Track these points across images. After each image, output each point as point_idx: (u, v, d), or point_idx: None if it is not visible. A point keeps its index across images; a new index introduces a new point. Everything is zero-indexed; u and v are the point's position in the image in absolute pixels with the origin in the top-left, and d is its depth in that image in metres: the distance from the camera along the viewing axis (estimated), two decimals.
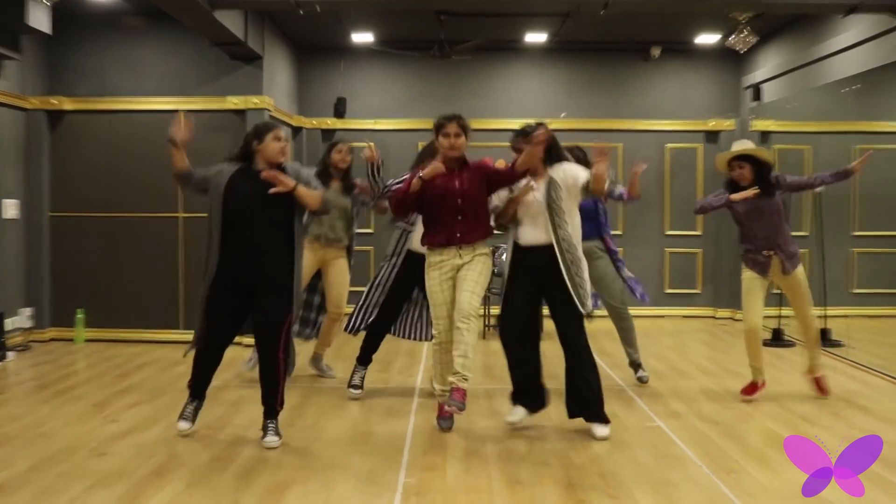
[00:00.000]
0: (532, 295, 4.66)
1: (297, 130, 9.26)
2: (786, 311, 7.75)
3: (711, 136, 9.49)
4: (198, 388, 4.63)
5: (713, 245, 9.50)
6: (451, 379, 4.46)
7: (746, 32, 7.68)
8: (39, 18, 6.57)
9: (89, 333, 7.63)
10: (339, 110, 9.41)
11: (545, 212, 4.52)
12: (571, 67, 9.64)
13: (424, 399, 5.48)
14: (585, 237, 4.81)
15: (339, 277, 5.89)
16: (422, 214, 4.73)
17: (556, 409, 5.12)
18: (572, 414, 4.72)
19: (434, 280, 4.62)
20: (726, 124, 9.39)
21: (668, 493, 3.75)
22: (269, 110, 7.65)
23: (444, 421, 4.70)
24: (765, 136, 9.06)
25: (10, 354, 6.90)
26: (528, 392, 4.80)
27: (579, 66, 9.62)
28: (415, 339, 5.69)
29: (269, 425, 4.44)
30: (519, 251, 4.64)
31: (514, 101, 9.56)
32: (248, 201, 4.31)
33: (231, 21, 6.83)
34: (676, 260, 9.33)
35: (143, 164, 7.62)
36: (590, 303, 4.66)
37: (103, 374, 6.30)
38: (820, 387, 5.57)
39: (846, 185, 8.17)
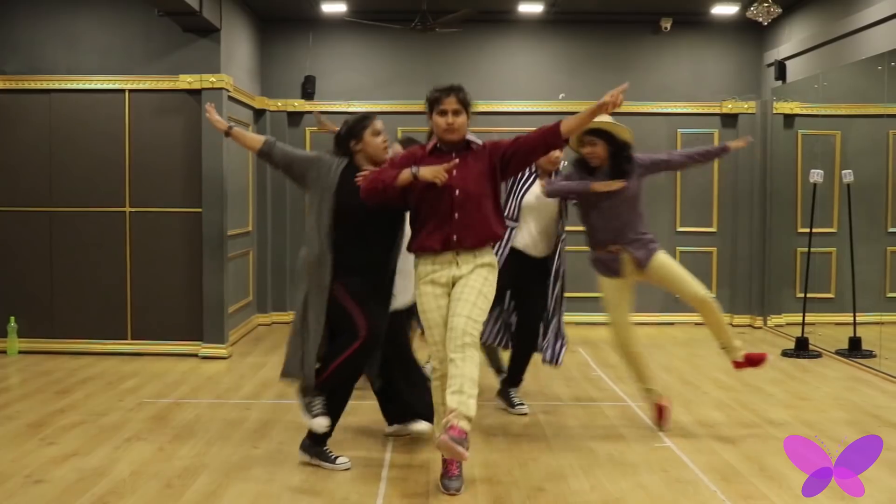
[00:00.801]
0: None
1: (259, 113, 9.29)
2: (810, 318, 7.87)
3: (729, 120, 9.58)
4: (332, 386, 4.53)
5: (730, 243, 9.59)
6: (448, 418, 3.92)
7: (770, 2, 7.76)
8: None
9: (23, 344, 7.61)
10: (308, 90, 9.43)
11: None
12: (571, 42, 9.70)
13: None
14: None
15: None
16: (408, 211, 4.48)
17: (549, 426, 5.20)
18: (392, 421, 4.98)
19: (427, 295, 4.26)
20: (746, 106, 9.49)
21: None
22: (227, 90, 7.67)
23: (452, 481, 4.16)
24: (789, 120, 9.18)
25: None
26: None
27: (580, 40, 9.69)
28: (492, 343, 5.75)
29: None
30: None
31: (507, 81, 9.61)
32: (361, 205, 4.37)
33: None
34: (689, 259, 9.38)
35: (84, 152, 7.60)
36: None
37: (40, 390, 6.29)
38: (752, 361, 5.20)
39: (881, 173, 8.37)
